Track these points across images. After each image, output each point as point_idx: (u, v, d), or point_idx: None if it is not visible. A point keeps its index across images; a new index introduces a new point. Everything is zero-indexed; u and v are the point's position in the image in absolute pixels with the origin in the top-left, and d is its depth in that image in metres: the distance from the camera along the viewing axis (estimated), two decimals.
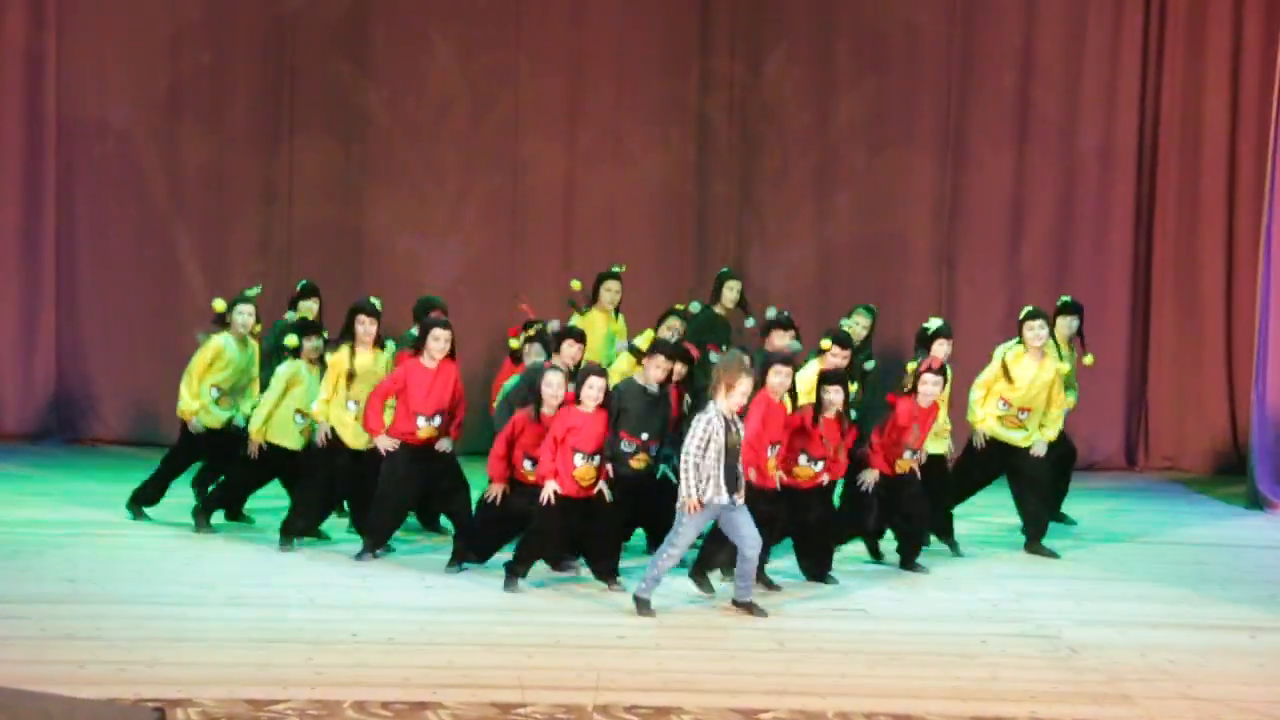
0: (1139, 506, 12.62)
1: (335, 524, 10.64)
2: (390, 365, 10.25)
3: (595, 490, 9.25)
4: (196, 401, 10.61)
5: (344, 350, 10.15)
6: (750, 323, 11.88)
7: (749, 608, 8.93)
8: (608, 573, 9.35)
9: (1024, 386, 10.50)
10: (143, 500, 10.81)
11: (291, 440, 10.34)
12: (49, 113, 13.68)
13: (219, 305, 10.72)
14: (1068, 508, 11.48)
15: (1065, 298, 11.41)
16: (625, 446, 9.43)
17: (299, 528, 10.22)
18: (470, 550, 9.75)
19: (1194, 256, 14.10)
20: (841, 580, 9.61)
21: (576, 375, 9.50)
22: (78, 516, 10.94)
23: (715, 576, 9.40)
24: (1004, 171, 14.13)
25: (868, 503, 9.96)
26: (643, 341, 9.85)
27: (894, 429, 9.88)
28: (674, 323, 10.81)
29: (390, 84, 13.97)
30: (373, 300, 10.31)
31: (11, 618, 8.37)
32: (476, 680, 7.56)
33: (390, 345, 10.41)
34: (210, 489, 10.75)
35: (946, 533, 10.44)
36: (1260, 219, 12.84)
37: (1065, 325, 11.11)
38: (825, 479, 9.55)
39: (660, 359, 9.56)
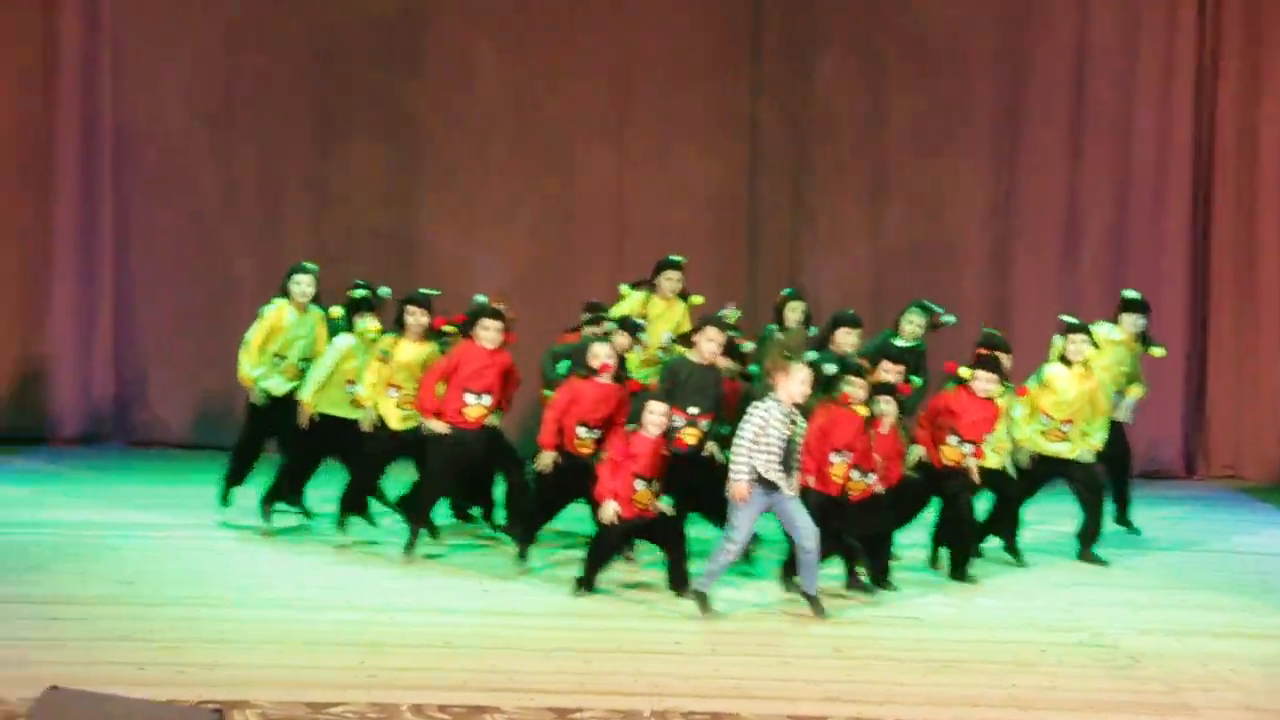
0: (1199, 515, 12.50)
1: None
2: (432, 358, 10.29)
3: (655, 512, 9.26)
4: (257, 369, 10.68)
5: (392, 339, 10.26)
6: (813, 331, 11.80)
7: (813, 601, 8.93)
8: (680, 582, 9.26)
9: (1066, 399, 10.38)
10: (232, 482, 10.83)
11: (343, 410, 10.41)
12: (104, 117, 13.76)
13: (335, 312, 10.80)
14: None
15: (1133, 294, 11.23)
16: (675, 421, 9.45)
17: (354, 505, 10.34)
18: (519, 528, 9.82)
19: (1252, 261, 13.97)
20: (898, 587, 9.57)
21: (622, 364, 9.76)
22: (133, 519, 10.99)
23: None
24: (1058, 174, 14.04)
25: (906, 485, 9.89)
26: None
27: (942, 408, 9.85)
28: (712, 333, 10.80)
29: (440, 88, 13.99)
30: (424, 291, 10.41)
31: (70, 619, 8.42)
32: (533, 685, 7.56)
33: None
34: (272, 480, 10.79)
35: (1011, 545, 10.37)
36: None
37: (1131, 323, 11.02)
38: (879, 488, 9.51)
39: (711, 331, 9.68)
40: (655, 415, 9.21)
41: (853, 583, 9.46)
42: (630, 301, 11.25)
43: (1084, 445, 10.42)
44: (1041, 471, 10.47)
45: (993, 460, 10.14)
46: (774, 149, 14.14)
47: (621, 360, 9.82)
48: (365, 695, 7.32)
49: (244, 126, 13.92)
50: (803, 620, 8.92)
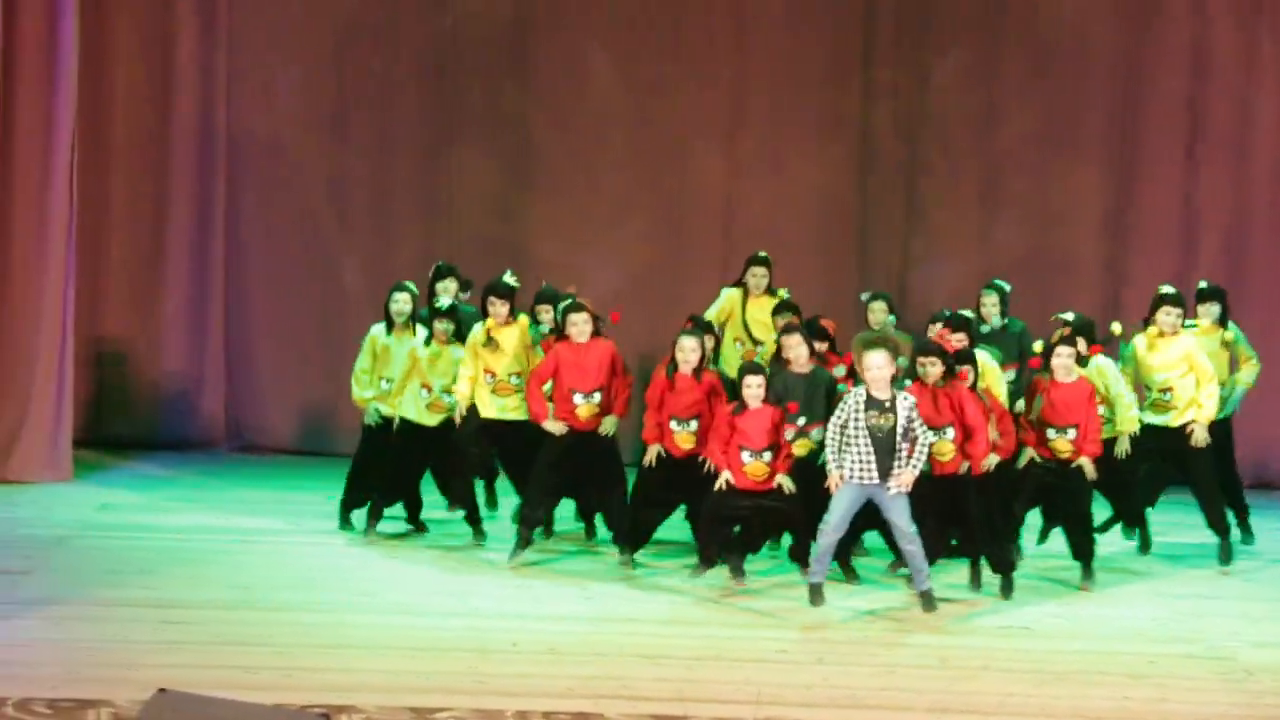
0: None
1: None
2: (525, 343, 10.37)
3: (774, 483, 9.31)
4: (366, 392, 10.77)
5: (477, 330, 10.34)
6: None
7: (924, 596, 8.87)
8: (800, 559, 9.38)
9: (1159, 365, 10.28)
10: (349, 504, 10.87)
11: (418, 415, 10.47)
12: (219, 128, 13.92)
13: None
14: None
15: (1202, 284, 11.03)
16: (786, 434, 9.50)
17: (458, 496, 10.50)
18: (626, 537, 9.85)
19: None
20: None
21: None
22: (246, 524, 11.11)
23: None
24: (1175, 182, 13.82)
25: (1020, 484, 9.78)
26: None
27: (1033, 399, 9.75)
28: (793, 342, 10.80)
29: (551, 95, 14.02)
30: (505, 279, 10.45)
31: (183, 623, 8.52)
32: (637, 692, 7.55)
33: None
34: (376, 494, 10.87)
35: (1141, 530, 10.25)
36: None
37: (1206, 312, 10.78)
38: (963, 465, 9.35)
39: (795, 339, 9.75)
40: (753, 388, 9.35)
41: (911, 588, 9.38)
42: (723, 299, 11.55)
43: (1194, 413, 10.23)
44: (1154, 443, 10.25)
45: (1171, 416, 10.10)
46: (885, 154, 14.04)
47: (703, 356, 9.85)
48: (470, 701, 7.35)
49: (355, 135, 14.02)
50: (910, 629, 8.85)
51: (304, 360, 13.93)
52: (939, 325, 10.36)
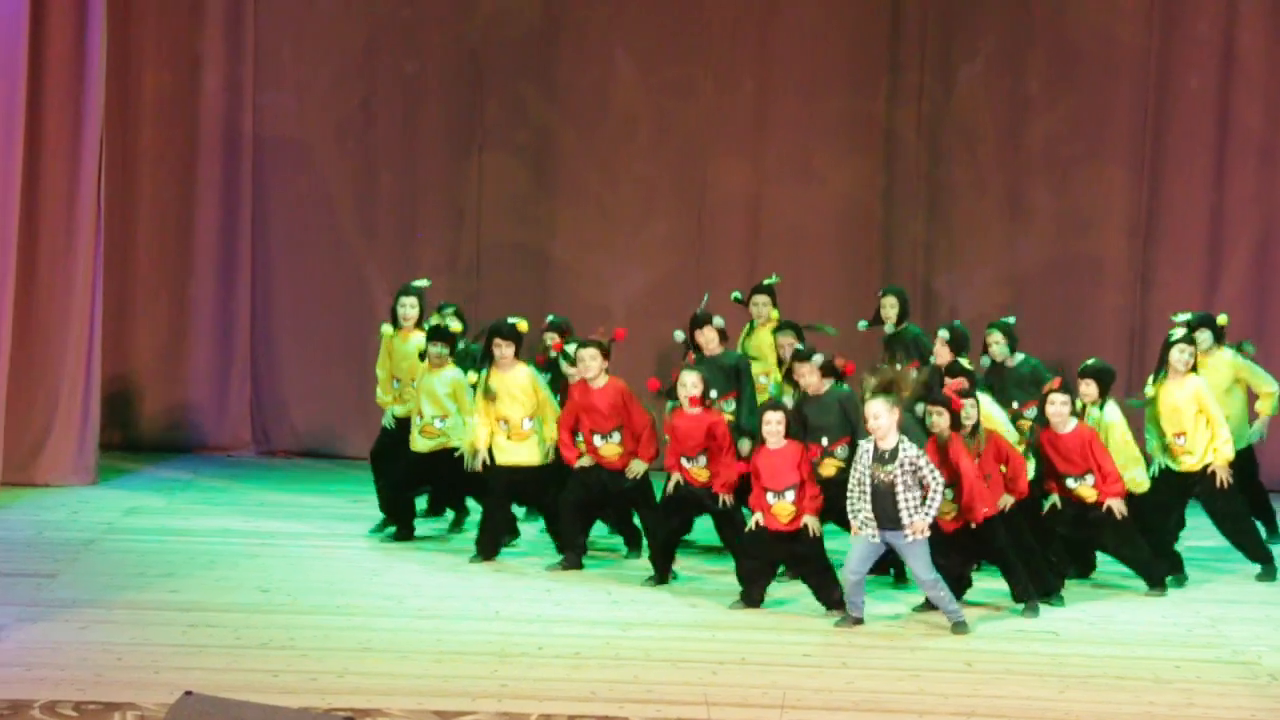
0: None
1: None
2: (531, 383, 10.28)
3: (800, 525, 9.20)
4: (386, 395, 10.86)
5: (484, 373, 10.18)
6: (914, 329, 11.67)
7: (956, 626, 8.85)
8: (836, 603, 9.17)
9: (1168, 410, 10.08)
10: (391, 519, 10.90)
11: (413, 442, 10.54)
12: (245, 135, 13.95)
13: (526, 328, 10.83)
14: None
15: (1185, 315, 10.73)
16: (813, 460, 9.48)
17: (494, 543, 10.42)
18: (656, 558, 9.85)
19: None
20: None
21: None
22: (271, 528, 11.14)
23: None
24: (1203, 187, 13.73)
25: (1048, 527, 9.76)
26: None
27: (1042, 453, 9.69)
28: (786, 340, 10.82)
29: (576, 99, 14.02)
30: (510, 322, 10.31)
31: (208, 626, 8.55)
32: (662, 696, 7.56)
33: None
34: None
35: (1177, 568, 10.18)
36: None
37: (1200, 342, 10.51)
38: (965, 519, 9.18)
39: (807, 366, 9.67)
40: (773, 425, 9.22)
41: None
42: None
43: (1213, 458, 10.02)
44: (1174, 488, 10.16)
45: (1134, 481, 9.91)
46: (910, 158, 14.01)
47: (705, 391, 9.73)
48: (495, 705, 7.36)
49: (380, 141, 14.04)
50: (935, 633, 8.84)
51: (329, 365, 13.96)
52: (944, 334, 10.37)
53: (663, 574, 9.76)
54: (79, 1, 12.03)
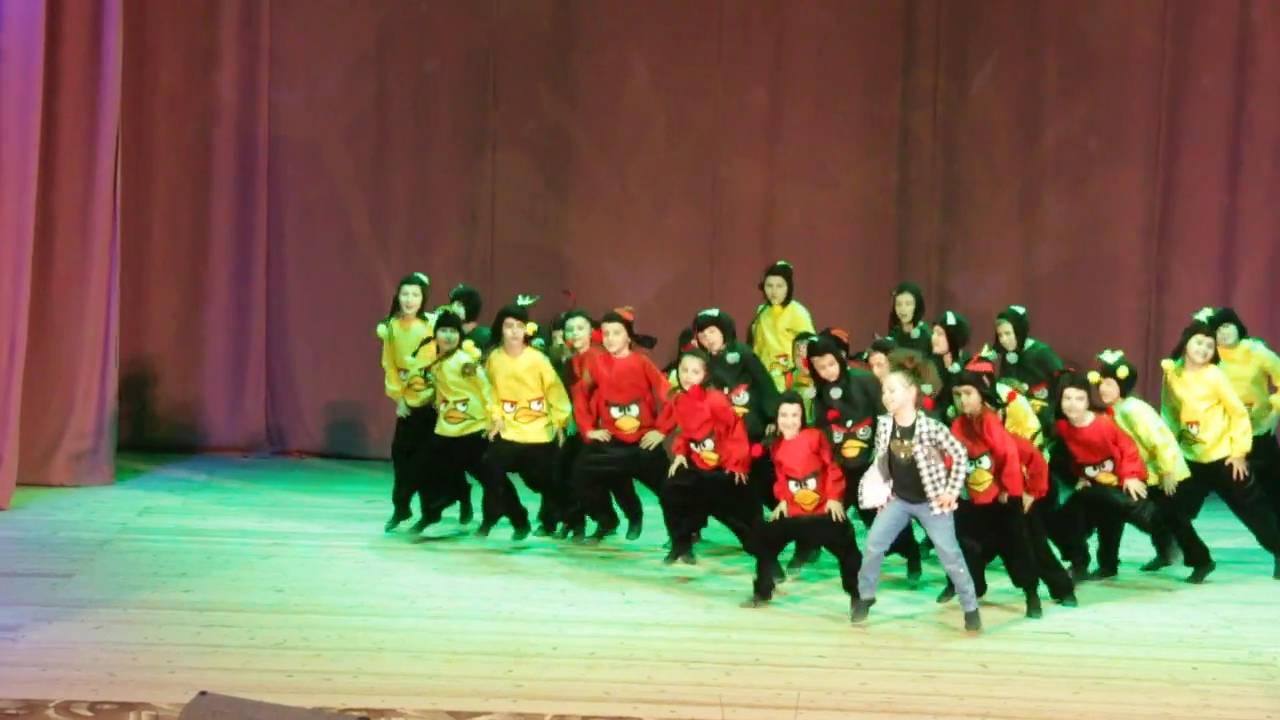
0: None
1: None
2: (539, 370, 10.38)
3: (825, 509, 9.24)
4: (395, 385, 10.92)
5: (493, 353, 10.35)
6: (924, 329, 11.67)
7: (970, 618, 8.85)
8: (849, 586, 9.23)
9: (1186, 398, 10.14)
10: (399, 516, 10.93)
11: (440, 426, 10.60)
12: (261, 137, 13.97)
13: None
14: None
15: (1208, 311, 10.70)
16: (836, 436, 9.54)
17: (497, 515, 10.53)
18: (679, 544, 9.87)
19: None
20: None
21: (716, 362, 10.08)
22: (285, 528, 11.15)
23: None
24: (1218, 188, 13.71)
25: (1069, 518, 9.79)
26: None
27: (1061, 443, 9.72)
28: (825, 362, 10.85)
29: (589, 101, 14.03)
30: (520, 302, 10.47)
31: (222, 626, 8.55)
32: (676, 696, 7.56)
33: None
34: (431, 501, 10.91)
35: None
36: None
37: (1224, 337, 10.55)
38: (1003, 496, 9.24)
39: (827, 358, 9.67)
40: (787, 417, 9.27)
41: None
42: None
43: (1229, 449, 10.11)
44: (1193, 476, 10.15)
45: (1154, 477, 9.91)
46: (924, 160, 14.00)
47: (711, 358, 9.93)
48: (509, 705, 7.36)
49: (394, 143, 14.06)
50: (949, 634, 8.83)
51: (342, 365, 13.98)
52: (940, 327, 10.37)
53: (679, 547, 9.91)
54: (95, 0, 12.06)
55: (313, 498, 12.29)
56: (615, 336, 10.05)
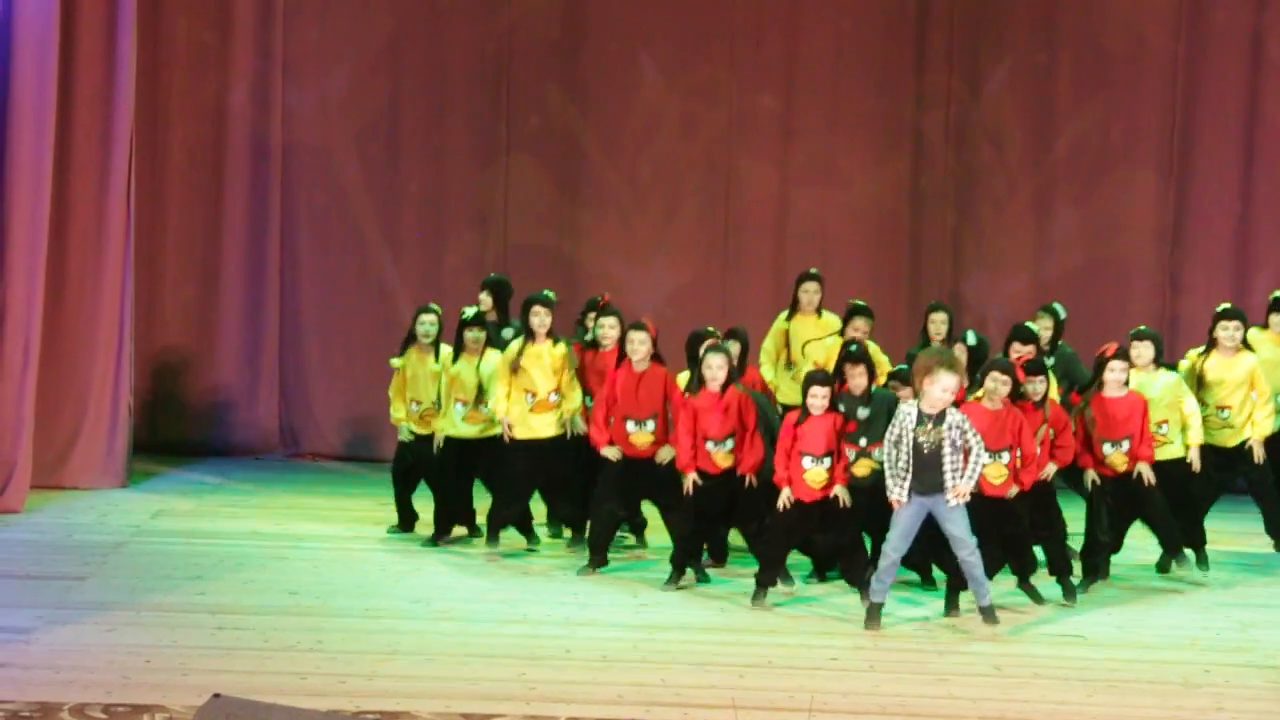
0: None
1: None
2: (564, 358, 10.36)
3: (831, 494, 9.24)
4: (401, 415, 10.86)
5: (516, 343, 10.35)
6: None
7: (985, 612, 8.84)
8: (859, 581, 9.28)
9: (1219, 383, 10.27)
10: (404, 527, 10.98)
11: (457, 429, 10.56)
12: (274, 141, 14.00)
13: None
14: None
15: (1226, 306, 10.82)
16: (848, 453, 9.48)
17: (503, 519, 10.48)
18: (688, 561, 9.82)
19: None
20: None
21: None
22: (298, 530, 11.17)
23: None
24: (1232, 190, 13.69)
25: (1094, 511, 9.81)
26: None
27: (1086, 416, 9.74)
28: (860, 323, 10.95)
29: (600, 105, 14.04)
30: (546, 293, 10.49)
31: (236, 628, 8.57)
32: (688, 699, 7.55)
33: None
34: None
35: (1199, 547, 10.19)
36: None
37: (1276, 323, 10.79)
38: (1013, 489, 9.30)
39: (860, 369, 9.60)
40: (818, 398, 9.29)
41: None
42: (774, 329, 11.63)
43: (1251, 432, 10.25)
44: (1214, 464, 10.25)
45: (1169, 450, 9.96)
46: (938, 162, 14.00)
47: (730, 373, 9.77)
48: (522, 708, 7.37)
49: (406, 146, 14.08)
50: (962, 637, 8.82)
51: (356, 368, 13.99)
52: (960, 345, 10.34)
53: (679, 576, 9.75)
54: (109, 2, 12.08)
55: (326, 500, 12.30)
56: (640, 346, 9.92)
